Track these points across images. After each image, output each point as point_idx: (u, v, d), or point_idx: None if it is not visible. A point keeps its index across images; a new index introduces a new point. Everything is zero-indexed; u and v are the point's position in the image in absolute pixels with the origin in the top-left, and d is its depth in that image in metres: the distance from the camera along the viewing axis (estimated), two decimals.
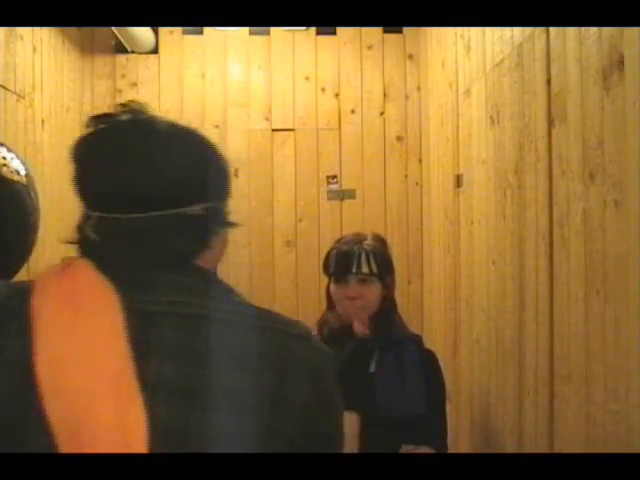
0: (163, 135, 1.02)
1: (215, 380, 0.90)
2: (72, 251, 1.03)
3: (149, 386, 0.88)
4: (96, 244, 0.99)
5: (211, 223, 1.04)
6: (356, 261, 2.17)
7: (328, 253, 2.26)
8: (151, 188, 0.98)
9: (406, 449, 2.05)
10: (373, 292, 2.18)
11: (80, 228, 1.02)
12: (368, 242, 2.22)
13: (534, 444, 2.09)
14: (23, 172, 1.74)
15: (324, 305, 2.29)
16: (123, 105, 1.05)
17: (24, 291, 0.95)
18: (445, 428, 2.17)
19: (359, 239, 2.23)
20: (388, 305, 2.23)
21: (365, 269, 2.17)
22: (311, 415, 0.94)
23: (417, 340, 2.23)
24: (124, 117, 1.04)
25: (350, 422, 1.99)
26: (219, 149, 1.09)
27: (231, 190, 1.11)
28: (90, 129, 1.03)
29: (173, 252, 1.00)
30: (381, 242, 2.28)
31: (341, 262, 2.19)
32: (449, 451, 2.24)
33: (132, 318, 0.92)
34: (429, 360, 2.21)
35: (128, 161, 0.99)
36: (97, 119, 1.03)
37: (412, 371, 2.12)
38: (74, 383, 0.86)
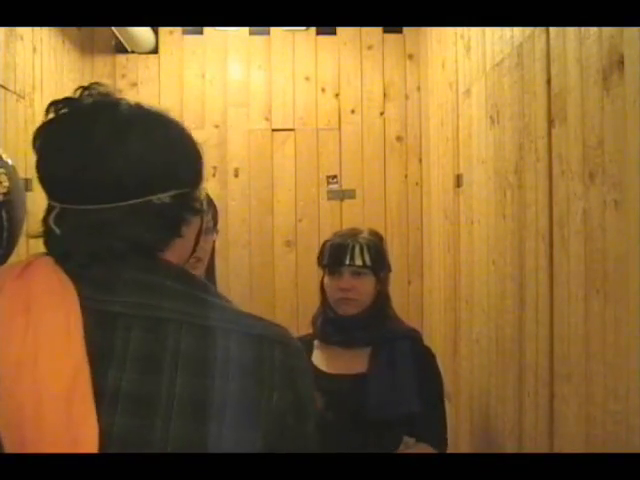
0: (125, 119, 0.96)
1: (181, 388, 0.85)
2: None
3: (107, 394, 0.83)
4: (59, 238, 0.93)
5: (179, 210, 0.98)
6: (349, 253, 2.16)
7: (322, 245, 2.26)
8: (113, 176, 0.92)
9: (406, 443, 2.05)
10: (366, 285, 2.17)
11: (45, 221, 0.96)
12: (364, 236, 2.22)
13: (534, 444, 2.09)
14: (5, 184, 1.71)
15: (321, 305, 2.28)
16: (86, 88, 0.99)
17: None
18: (444, 425, 2.17)
19: (355, 233, 2.23)
20: (382, 300, 2.22)
21: (358, 261, 2.16)
22: (286, 419, 0.89)
23: (412, 336, 2.22)
24: (86, 101, 0.98)
25: None
26: (188, 133, 1.04)
27: (203, 175, 1.05)
28: (50, 115, 0.98)
29: (139, 246, 0.94)
30: (377, 237, 2.27)
31: (334, 254, 2.18)
32: (449, 451, 2.24)
33: (92, 320, 0.86)
34: (423, 357, 2.19)
35: (88, 148, 0.93)
36: (58, 104, 0.97)
37: (405, 369, 2.10)
38: (22, 387, 0.81)
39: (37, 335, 0.84)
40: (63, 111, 0.97)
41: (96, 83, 1.01)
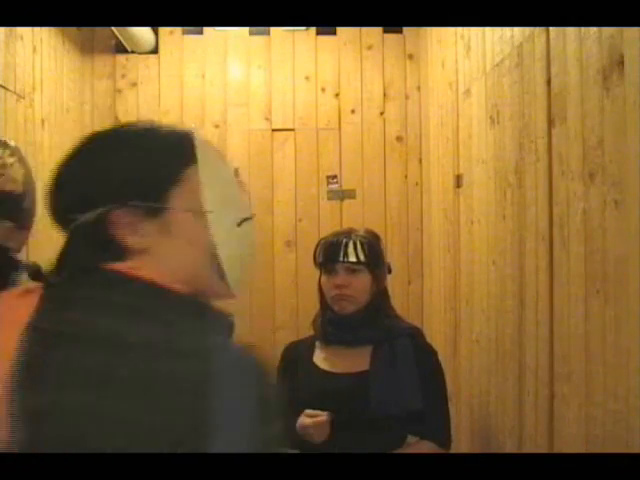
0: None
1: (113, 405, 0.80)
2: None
3: (32, 414, 0.80)
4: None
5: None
6: (344, 249, 2.16)
7: (317, 244, 2.25)
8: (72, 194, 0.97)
9: (408, 442, 2.06)
10: (361, 281, 2.16)
11: None
12: (359, 234, 2.22)
13: (534, 444, 2.09)
14: (21, 179, 1.72)
15: (320, 306, 2.28)
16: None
17: None
18: (448, 422, 2.17)
19: (350, 231, 2.23)
20: (380, 298, 2.21)
21: (352, 257, 2.15)
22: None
23: (413, 333, 2.21)
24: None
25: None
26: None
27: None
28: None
29: (83, 261, 0.94)
30: (373, 235, 2.27)
31: (328, 251, 2.19)
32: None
33: (37, 339, 0.85)
34: (424, 354, 2.19)
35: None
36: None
37: (405, 367, 2.10)
38: None
39: None
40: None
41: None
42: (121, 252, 0.94)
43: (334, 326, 2.19)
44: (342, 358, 2.18)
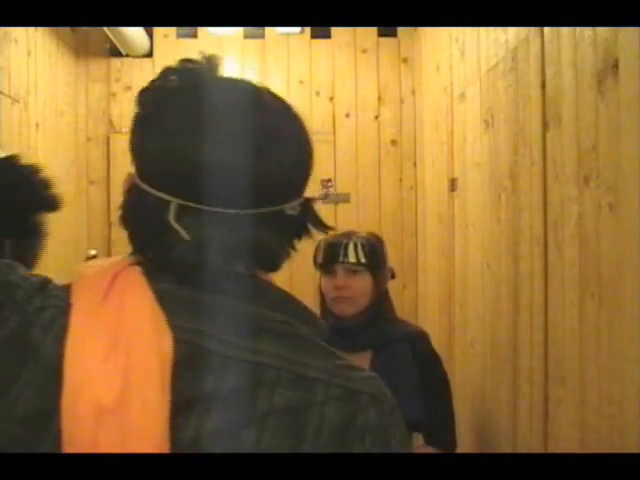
0: (282, 111, 0.87)
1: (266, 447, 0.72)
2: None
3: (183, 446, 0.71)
4: (186, 245, 0.76)
5: (306, 222, 0.89)
6: (343, 250, 2.12)
7: (317, 245, 2.17)
8: (267, 178, 0.78)
9: (414, 444, 2.04)
10: (361, 283, 2.12)
11: (157, 217, 0.76)
12: (360, 235, 2.18)
13: (528, 447, 2.09)
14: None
15: (319, 311, 2.26)
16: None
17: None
18: (451, 429, 2.15)
19: (350, 233, 2.19)
20: (381, 301, 2.17)
21: (352, 258, 2.11)
22: None
23: (413, 338, 2.16)
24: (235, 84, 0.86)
25: None
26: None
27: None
28: (180, 80, 0.81)
29: (260, 263, 0.82)
30: (375, 238, 2.23)
31: (328, 252, 2.13)
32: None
33: (184, 358, 0.71)
34: (425, 361, 2.14)
35: (241, 138, 0.77)
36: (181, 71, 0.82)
37: (404, 376, 2.05)
38: (104, 435, 0.70)
39: (126, 381, 0.70)
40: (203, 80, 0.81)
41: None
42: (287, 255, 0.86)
43: (334, 331, 2.16)
44: None
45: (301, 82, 4.04)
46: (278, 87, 4.02)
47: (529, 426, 2.09)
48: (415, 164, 4.02)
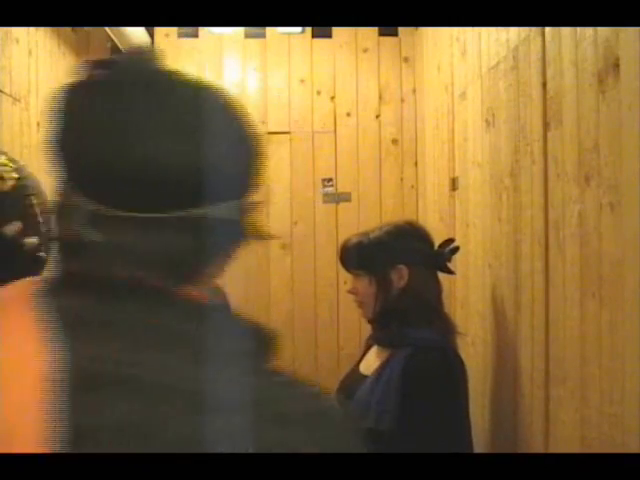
0: (209, 102, 0.77)
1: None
2: None
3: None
4: (95, 249, 0.69)
5: (239, 227, 0.80)
6: (343, 257, 2.18)
7: None
8: (192, 177, 0.69)
9: None
10: (362, 286, 2.13)
11: (67, 220, 0.70)
12: (371, 234, 2.14)
13: (529, 447, 2.09)
14: (14, 175, 1.68)
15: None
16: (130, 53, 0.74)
17: None
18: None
19: (368, 231, 2.17)
20: (390, 303, 2.08)
21: (348, 265, 2.16)
22: None
23: (414, 352, 1.99)
24: (145, 66, 0.79)
25: None
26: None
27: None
28: (89, 76, 0.75)
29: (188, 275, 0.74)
30: (395, 232, 2.14)
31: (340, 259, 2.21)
32: None
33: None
34: (411, 376, 1.96)
35: (158, 132, 0.69)
36: (98, 64, 0.75)
37: (389, 384, 1.95)
38: None
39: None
40: (106, 74, 0.74)
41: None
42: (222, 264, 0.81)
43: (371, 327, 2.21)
44: (369, 360, 2.19)
45: (302, 81, 4.04)
46: (279, 86, 4.03)
47: (530, 425, 2.09)
48: (416, 163, 4.02)
